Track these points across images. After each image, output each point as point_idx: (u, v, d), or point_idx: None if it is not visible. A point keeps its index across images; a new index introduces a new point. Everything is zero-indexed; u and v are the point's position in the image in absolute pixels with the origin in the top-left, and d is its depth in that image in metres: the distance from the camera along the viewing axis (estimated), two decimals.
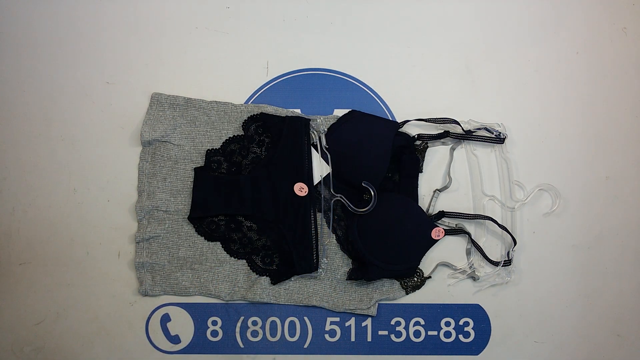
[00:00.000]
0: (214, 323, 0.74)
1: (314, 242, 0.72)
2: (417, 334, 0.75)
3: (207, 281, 0.74)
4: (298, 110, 0.77)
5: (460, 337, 0.75)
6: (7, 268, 0.74)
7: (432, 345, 0.75)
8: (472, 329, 0.75)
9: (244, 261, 0.74)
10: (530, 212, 0.77)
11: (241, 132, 0.75)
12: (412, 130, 0.77)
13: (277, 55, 0.79)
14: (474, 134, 0.76)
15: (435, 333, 0.75)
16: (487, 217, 0.74)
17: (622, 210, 0.77)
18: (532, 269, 0.76)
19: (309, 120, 0.74)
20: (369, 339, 0.74)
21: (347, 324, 0.74)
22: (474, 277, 0.75)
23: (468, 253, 0.76)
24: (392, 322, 0.75)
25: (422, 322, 0.75)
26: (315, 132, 0.74)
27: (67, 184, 0.75)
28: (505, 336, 0.75)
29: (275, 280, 0.73)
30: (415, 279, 0.74)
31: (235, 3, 0.80)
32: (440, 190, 0.76)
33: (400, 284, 0.74)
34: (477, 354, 0.75)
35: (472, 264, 0.75)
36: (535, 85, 0.79)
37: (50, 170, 0.76)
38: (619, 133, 0.78)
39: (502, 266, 0.74)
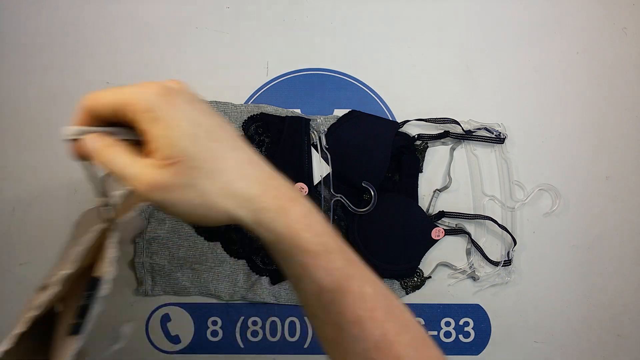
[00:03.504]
0: (214, 323, 0.74)
1: None
2: None
3: (207, 281, 0.74)
4: (298, 110, 0.77)
5: (460, 337, 0.75)
6: (7, 268, 0.74)
7: None
8: (472, 329, 0.75)
9: (244, 261, 0.74)
10: (530, 212, 0.77)
11: (241, 132, 0.75)
12: (412, 130, 0.77)
13: (277, 55, 0.79)
14: (474, 134, 0.76)
15: (435, 333, 0.75)
16: (487, 217, 0.74)
17: (622, 210, 0.77)
18: (532, 269, 0.76)
19: (309, 120, 0.74)
20: None
21: None
22: (474, 277, 0.75)
23: (468, 253, 0.76)
24: None
25: (422, 322, 0.75)
26: (315, 132, 0.74)
27: (67, 184, 0.75)
28: (505, 336, 0.75)
29: (275, 281, 0.73)
30: (415, 279, 0.74)
31: (235, 3, 0.80)
32: (440, 190, 0.76)
33: (400, 284, 0.74)
34: (477, 354, 0.75)
35: (472, 264, 0.75)
36: (535, 85, 0.79)
37: (50, 170, 0.76)
38: (619, 133, 0.78)
39: (502, 266, 0.74)
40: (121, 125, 0.34)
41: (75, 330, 0.44)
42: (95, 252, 0.46)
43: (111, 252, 0.44)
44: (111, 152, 0.33)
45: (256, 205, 0.34)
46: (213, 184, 0.33)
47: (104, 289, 0.44)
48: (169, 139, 0.32)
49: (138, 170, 0.33)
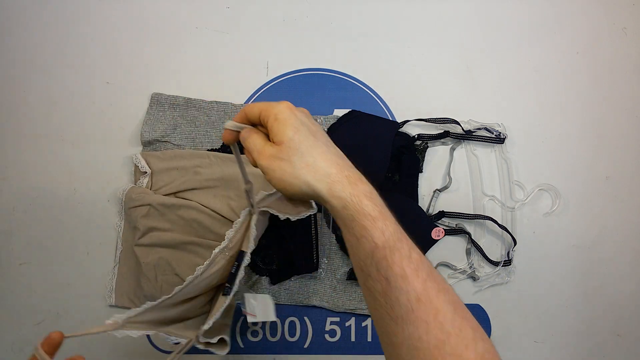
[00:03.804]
0: None
1: (314, 242, 0.72)
2: None
3: None
4: None
5: None
6: (7, 268, 0.74)
7: None
8: None
9: None
10: (530, 212, 0.77)
11: None
12: (412, 130, 0.77)
13: (277, 55, 0.79)
14: (474, 134, 0.76)
15: None
16: (487, 217, 0.74)
17: (622, 210, 0.77)
18: (533, 269, 0.76)
19: None
20: (369, 339, 0.74)
21: (347, 324, 0.74)
22: (474, 277, 0.75)
23: (468, 253, 0.76)
24: None
25: None
26: None
27: (67, 184, 0.75)
28: (505, 336, 0.75)
29: (274, 281, 0.73)
30: None
31: (235, 3, 0.80)
32: (440, 190, 0.76)
33: None
34: None
35: (472, 264, 0.75)
36: (535, 85, 0.79)
37: (50, 170, 0.76)
38: (619, 133, 0.78)
39: (502, 266, 0.74)
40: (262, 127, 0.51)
41: (226, 291, 0.58)
42: (243, 232, 0.61)
43: (252, 231, 0.59)
44: (253, 136, 0.50)
45: (331, 179, 0.47)
46: (302, 161, 0.47)
47: (246, 260, 0.58)
48: (281, 129, 0.48)
49: (261, 147, 0.49)
